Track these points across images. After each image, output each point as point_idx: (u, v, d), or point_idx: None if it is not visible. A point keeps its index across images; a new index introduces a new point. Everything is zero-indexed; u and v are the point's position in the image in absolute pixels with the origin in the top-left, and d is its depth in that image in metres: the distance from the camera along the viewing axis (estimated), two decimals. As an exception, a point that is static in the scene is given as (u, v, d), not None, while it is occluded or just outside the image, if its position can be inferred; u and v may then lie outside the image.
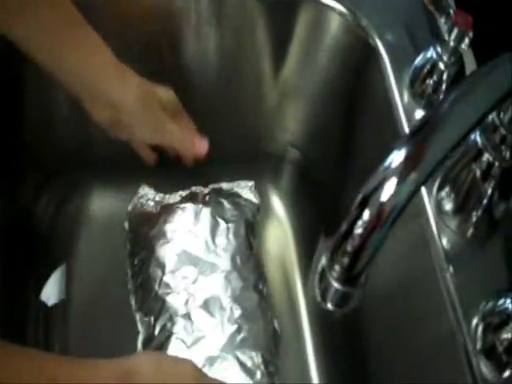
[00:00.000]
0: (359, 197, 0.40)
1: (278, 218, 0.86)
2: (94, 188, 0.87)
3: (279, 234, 0.85)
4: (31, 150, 0.81)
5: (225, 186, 0.83)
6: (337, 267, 0.41)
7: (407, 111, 0.64)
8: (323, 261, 0.43)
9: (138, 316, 0.75)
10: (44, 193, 0.85)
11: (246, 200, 0.82)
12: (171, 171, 0.77)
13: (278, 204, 0.87)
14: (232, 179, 0.84)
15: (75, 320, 0.78)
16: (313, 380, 0.75)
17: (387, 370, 0.67)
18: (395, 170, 0.39)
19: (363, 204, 0.39)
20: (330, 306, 0.44)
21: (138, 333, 0.74)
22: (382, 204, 0.39)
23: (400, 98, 0.65)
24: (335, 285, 0.42)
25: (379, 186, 0.39)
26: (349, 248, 0.40)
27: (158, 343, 0.72)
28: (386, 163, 0.39)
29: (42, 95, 0.77)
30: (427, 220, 0.58)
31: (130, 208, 0.81)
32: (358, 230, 0.39)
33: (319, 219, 0.84)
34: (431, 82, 0.63)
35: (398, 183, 0.39)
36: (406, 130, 0.63)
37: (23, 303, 0.78)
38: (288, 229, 0.86)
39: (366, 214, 0.39)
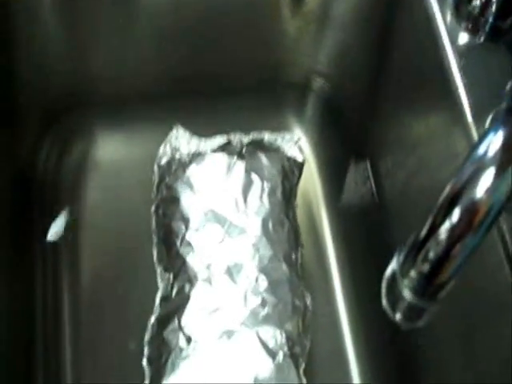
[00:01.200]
0: (447, 192, 0.32)
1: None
2: (98, 133, 0.82)
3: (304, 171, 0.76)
4: (27, 95, 0.74)
5: (267, 137, 0.75)
6: (413, 275, 0.34)
7: (451, 35, 0.56)
8: (394, 264, 0.35)
9: (158, 269, 0.69)
10: (45, 142, 0.80)
11: (289, 158, 0.73)
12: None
13: (301, 138, 0.80)
14: (252, 110, 0.78)
15: (86, 266, 0.74)
16: (349, 363, 0.71)
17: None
18: (493, 158, 0.31)
19: (452, 202, 0.32)
20: (398, 316, 0.37)
21: (157, 288, 0.68)
22: (477, 202, 0.31)
23: (443, 20, 0.57)
24: (407, 296, 0.35)
25: (472, 179, 0.31)
26: (431, 254, 0.33)
27: (174, 306, 0.66)
28: (481, 150, 0.32)
29: (34, 30, 0.71)
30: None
31: (160, 151, 0.74)
32: (444, 234, 0.32)
33: (346, 153, 0.79)
34: (478, 2, 0.54)
35: (497, 175, 0.31)
36: (449, 55, 0.56)
37: (30, 249, 0.73)
38: (313, 165, 0.81)
39: (456, 215, 0.32)
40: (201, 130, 0.75)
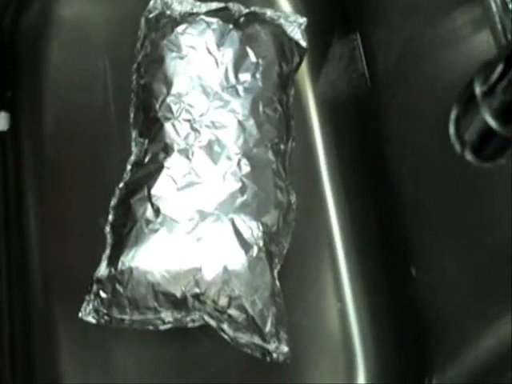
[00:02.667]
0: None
1: None
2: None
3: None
4: None
5: (269, 13, 0.69)
6: (499, 94, 0.30)
7: None
8: (477, 89, 0.30)
9: (133, 133, 0.64)
10: None
11: (291, 39, 0.67)
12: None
13: (284, 2, 0.76)
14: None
15: (50, 134, 0.69)
16: (337, 260, 0.68)
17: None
18: None
19: None
20: (468, 153, 0.33)
21: (130, 153, 0.63)
22: None
23: None
24: (491, 122, 0.30)
25: None
26: None
27: (146, 172, 0.61)
28: None
29: None
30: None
31: (150, 4, 0.67)
32: None
33: (332, 18, 0.75)
34: None
35: None
36: None
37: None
38: None
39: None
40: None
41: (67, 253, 0.65)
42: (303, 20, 0.69)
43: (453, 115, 0.33)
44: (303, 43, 0.68)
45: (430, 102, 0.58)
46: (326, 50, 0.76)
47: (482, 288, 0.53)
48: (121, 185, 0.62)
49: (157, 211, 0.59)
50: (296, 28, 0.68)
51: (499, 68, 0.29)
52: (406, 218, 0.65)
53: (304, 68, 0.73)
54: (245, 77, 0.64)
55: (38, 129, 0.70)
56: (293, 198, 0.63)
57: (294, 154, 0.66)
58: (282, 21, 0.68)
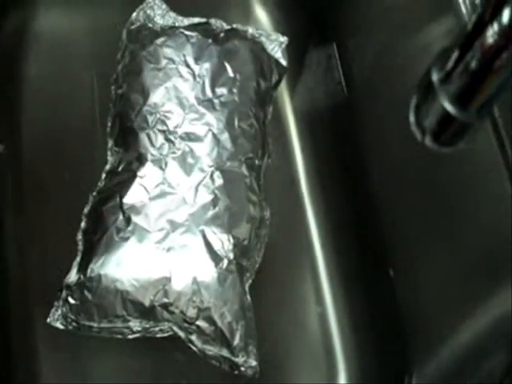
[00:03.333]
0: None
1: (261, 28, 0.75)
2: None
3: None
4: None
5: (251, 30, 0.69)
6: (456, 80, 0.30)
7: None
8: (434, 77, 0.31)
9: (110, 142, 0.64)
10: None
11: (271, 57, 0.68)
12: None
13: (260, 12, 0.77)
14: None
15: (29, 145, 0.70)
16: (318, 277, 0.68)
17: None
18: None
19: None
20: (428, 139, 0.33)
21: (106, 162, 0.64)
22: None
23: None
24: (448, 108, 0.31)
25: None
26: (478, 55, 0.29)
27: (119, 180, 0.62)
28: None
29: None
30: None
31: (133, 16, 0.68)
32: (491, 39, 0.28)
33: (309, 27, 0.75)
34: None
35: None
36: None
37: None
38: None
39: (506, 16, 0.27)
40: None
41: (44, 260, 0.65)
42: (284, 39, 0.69)
43: (412, 103, 0.34)
44: (283, 62, 0.68)
45: (405, 109, 0.58)
46: (303, 64, 0.77)
47: (457, 286, 0.54)
48: (94, 193, 0.62)
49: (128, 220, 0.59)
50: (277, 46, 0.69)
51: (455, 55, 0.30)
52: (383, 221, 0.65)
53: (283, 84, 0.74)
54: (221, 91, 0.65)
55: (16, 140, 0.70)
56: (267, 214, 0.64)
57: (272, 168, 0.67)
58: (262, 39, 0.69)
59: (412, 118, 0.34)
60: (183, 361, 0.62)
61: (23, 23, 0.75)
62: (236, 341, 0.57)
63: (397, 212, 0.64)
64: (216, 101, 0.64)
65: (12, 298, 0.64)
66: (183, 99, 0.64)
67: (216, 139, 0.63)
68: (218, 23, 0.68)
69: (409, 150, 0.58)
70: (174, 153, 0.62)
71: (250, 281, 0.61)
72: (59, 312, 0.59)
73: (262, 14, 0.79)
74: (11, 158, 0.69)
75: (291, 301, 0.68)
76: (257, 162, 0.63)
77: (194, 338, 0.58)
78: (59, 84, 0.72)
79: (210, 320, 0.57)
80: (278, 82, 0.68)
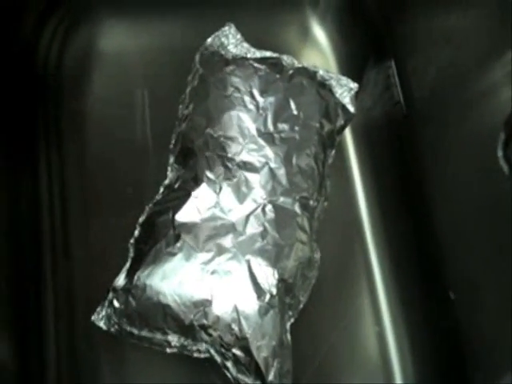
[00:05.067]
0: None
1: (319, 47, 0.78)
2: (104, 19, 0.78)
3: (322, 67, 0.73)
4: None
5: (322, 72, 0.70)
6: None
7: None
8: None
9: (171, 159, 0.67)
10: (47, 26, 0.76)
11: (338, 102, 0.69)
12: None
13: (318, 31, 0.78)
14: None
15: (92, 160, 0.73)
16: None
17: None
18: None
19: None
20: None
21: (166, 177, 0.66)
22: None
23: None
24: None
25: None
26: None
27: (175, 197, 0.64)
28: None
29: None
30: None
31: (208, 41, 0.70)
32: None
33: (367, 46, 0.76)
34: None
35: None
36: None
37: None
38: (331, 60, 0.79)
39: None
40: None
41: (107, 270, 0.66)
42: (355, 85, 0.69)
43: (501, 137, 0.35)
44: (351, 108, 0.69)
45: (465, 129, 0.58)
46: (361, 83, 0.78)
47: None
48: (151, 204, 0.64)
49: (177, 236, 0.61)
50: (346, 92, 0.69)
51: None
52: (444, 242, 0.65)
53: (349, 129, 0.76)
54: (283, 127, 0.66)
55: (80, 156, 0.73)
56: (316, 256, 0.65)
57: (331, 212, 0.69)
58: (332, 82, 0.69)
59: (500, 153, 0.35)
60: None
61: (89, 41, 0.78)
62: (270, 376, 0.58)
63: (457, 230, 0.63)
64: (276, 135, 0.66)
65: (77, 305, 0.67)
66: (244, 129, 0.66)
67: (272, 173, 0.64)
68: (289, 60, 0.70)
69: (470, 169, 0.58)
70: (229, 179, 0.64)
71: (292, 320, 0.62)
72: (103, 312, 0.61)
73: (320, 34, 0.80)
74: (75, 174, 0.73)
75: (348, 317, 0.69)
76: (311, 202, 0.64)
77: (229, 364, 0.59)
78: (119, 102, 0.76)
79: (247, 350, 0.58)
80: (343, 127, 0.69)
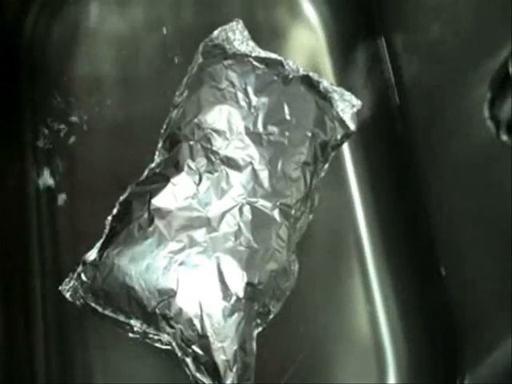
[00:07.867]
0: None
1: (309, 25, 0.78)
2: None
3: (311, 44, 0.75)
4: None
5: (326, 83, 0.69)
6: None
7: None
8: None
9: (159, 144, 0.66)
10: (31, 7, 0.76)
11: (337, 116, 0.67)
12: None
13: (308, 7, 0.78)
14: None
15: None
16: None
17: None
18: None
19: None
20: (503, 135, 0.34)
21: (152, 161, 0.66)
22: None
23: None
24: None
25: None
26: None
27: (153, 182, 0.64)
28: None
29: None
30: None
31: (215, 33, 0.70)
32: None
33: (357, 23, 0.76)
34: None
35: None
36: None
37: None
38: (321, 37, 0.78)
39: None
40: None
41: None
42: (358, 103, 0.68)
43: (487, 98, 0.34)
44: (351, 125, 0.67)
45: (455, 104, 0.58)
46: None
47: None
48: (133, 185, 0.63)
49: (151, 220, 0.61)
50: (348, 108, 0.67)
51: None
52: (434, 219, 0.66)
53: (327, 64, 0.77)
54: (273, 129, 0.64)
55: (67, 136, 0.74)
56: (293, 268, 0.63)
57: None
58: (334, 95, 0.68)
59: (486, 113, 0.34)
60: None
61: (75, 19, 0.78)
62: (228, 381, 0.57)
63: (448, 208, 0.63)
64: (265, 137, 0.64)
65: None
66: (233, 124, 0.65)
67: (255, 174, 0.63)
68: (293, 65, 0.68)
69: (459, 144, 0.58)
70: (210, 172, 0.63)
71: (260, 329, 0.60)
72: (71, 284, 0.60)
73: (310, 11, 0.80)
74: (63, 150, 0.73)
75: (339, 297, 0.70)
76: (293, 211, 0.62)
77: (188, 361, 0.58)
78: (108, 82, 0.75)
79: (206, 350, 0.57)
80: (340, 143, 0.67)
